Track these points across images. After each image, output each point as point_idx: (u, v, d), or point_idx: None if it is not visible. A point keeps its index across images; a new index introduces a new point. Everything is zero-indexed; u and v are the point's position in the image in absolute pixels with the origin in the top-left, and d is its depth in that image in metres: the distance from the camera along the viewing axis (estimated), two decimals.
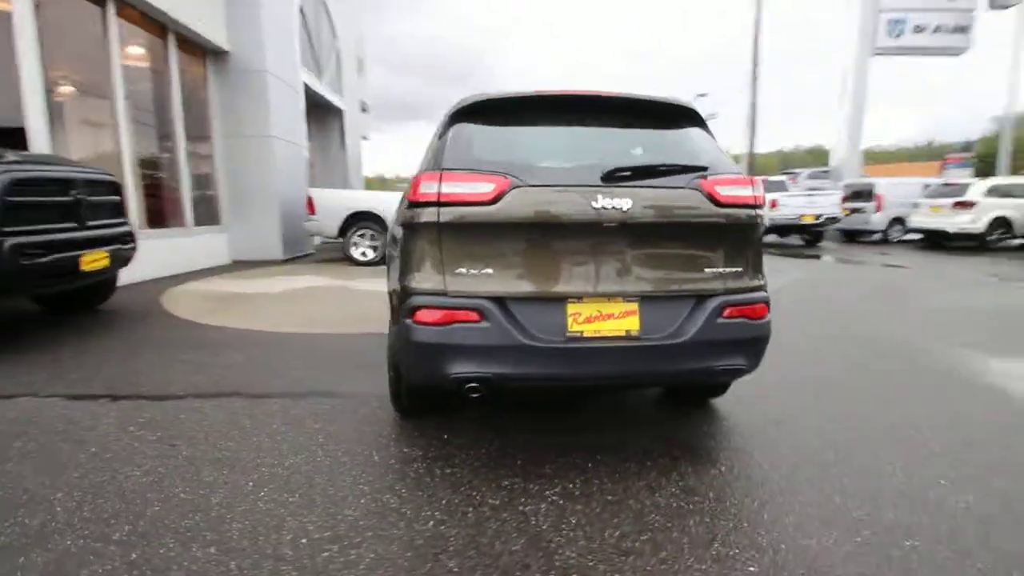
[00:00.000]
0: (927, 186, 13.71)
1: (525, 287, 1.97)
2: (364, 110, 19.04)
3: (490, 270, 1.96)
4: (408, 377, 2.25)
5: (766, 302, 2.12)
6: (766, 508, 1.89)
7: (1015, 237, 11.81)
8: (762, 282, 2.18)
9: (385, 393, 2.76)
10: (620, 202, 1.94)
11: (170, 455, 2.27)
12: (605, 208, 1.94)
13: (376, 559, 1.60)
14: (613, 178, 2.00)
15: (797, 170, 19.45)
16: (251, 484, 2.03)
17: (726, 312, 2.02)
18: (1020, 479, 2.11)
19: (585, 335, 1.96)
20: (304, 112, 11.00)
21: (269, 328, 4.55)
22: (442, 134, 2.27)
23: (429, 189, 1.98)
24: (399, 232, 2.30)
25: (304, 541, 1.69)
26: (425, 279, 2.01)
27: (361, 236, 8.70)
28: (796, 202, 13.05)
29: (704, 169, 2.06)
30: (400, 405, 2.63)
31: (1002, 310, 5.67)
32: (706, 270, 2.05)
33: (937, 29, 13.33)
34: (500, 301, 1.94)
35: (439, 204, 1.96)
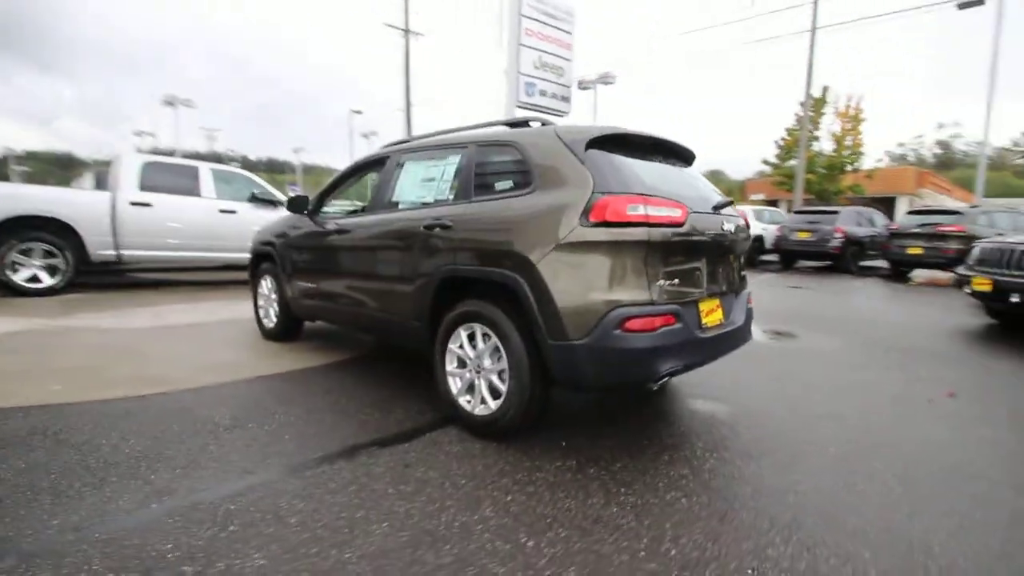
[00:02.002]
0: None
1: (689, 292, 2.43)
2: None
3: (677, 280, 2.34)
4: (603, 382, 2.30)
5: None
6: None
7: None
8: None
9: None
10: (729, 226, 2.66)
11: None
12: (727, 231, 2.62)
13: None
14: (719, 208, 2.69)
15: None
16: None
17: (749, 301, 3.01)
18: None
19: (709, 326, 2.57)
20: None
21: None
22: (578, 158, 2.40)
23: (636, 211, 2.19)
24: (555, 254, 2.28)
25: None
26: (631, 292, 2.20)
27: (25, 253, 5.80)
28: None
29: (732, 202, 2.98)
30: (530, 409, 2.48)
31: None
32: (740, 273, 2.98)
33: (553, 95, 18.06)
34: (681, 305, 2.35)
35: (648, 225, 2.21)
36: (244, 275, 8.47)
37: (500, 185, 2.74)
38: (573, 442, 2.58)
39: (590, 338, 2.19)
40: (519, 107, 19.27)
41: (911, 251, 10.54)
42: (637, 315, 2.19)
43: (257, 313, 4.61)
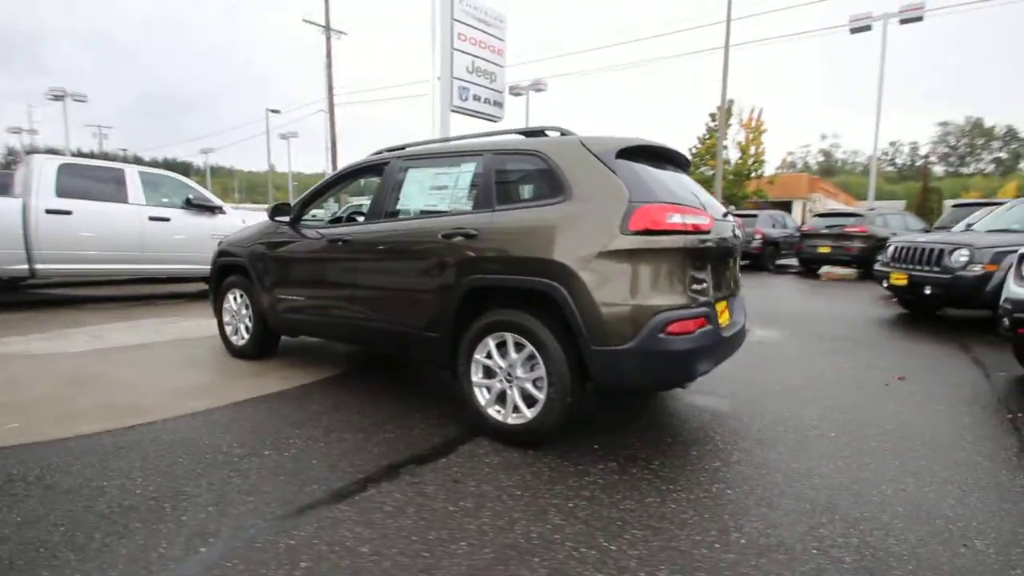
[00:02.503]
0: None
1: (710, 295, 2.58)
2: None
3: (703, 283, 2.48)
4: (647, 384, 2.38)
5: None
6: None
7: None
8: None
9: None
10: (733, 232, 2.85)
11: None
12: (735, 236, 2.80)
13: None
14: (725, 215, 2.87)
15: None
16: None
17: (743, 302, 3.24)
18: None
19: (724, 326, 2.75)
20: None
21: None
22: (610, 168, 2.48)
23: (674, 220, 2.30)
24: (598, 261, 2.33)
25: None
26: (670, 297, 2.31)
27: None
28: None
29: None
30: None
31: None
32: (737, 276, 3.20)
33: (487, 100, 18.15)
34: (708, 307, 2.50)
35: (684, 232, 2.33)
36: (177, 289, 7.85)
37: (525, 194, 2.76)
38: (603, 444, 2.64)
39: (635, 342, 2.28)
40: (453, 111, 19.21)
41: (820, 250, 11.74)
42: (678, 319, 2.30)
43: (223, 330, 4.25)
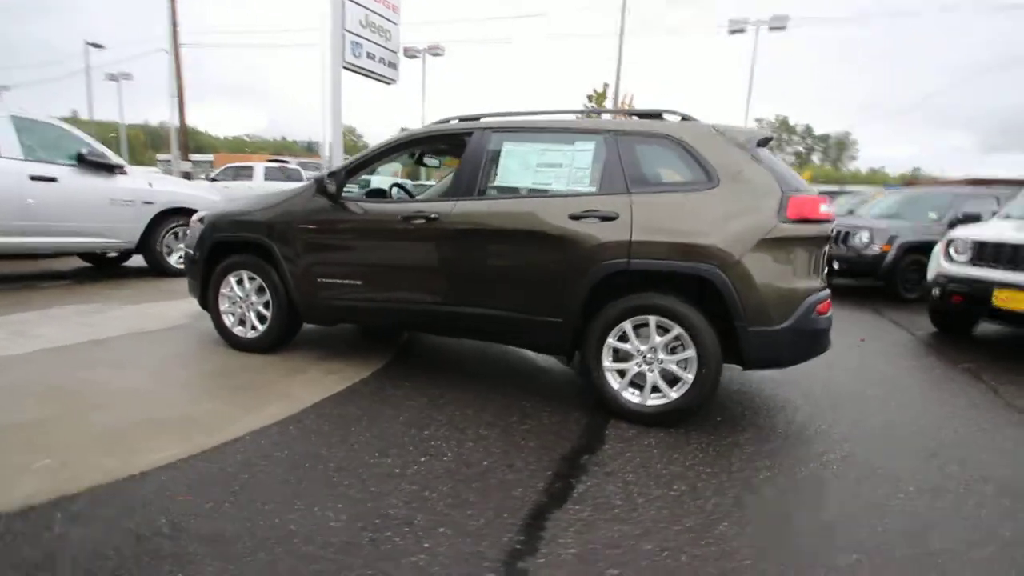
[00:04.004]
0: None
1: None
2: None
3: (824, 268, 2.73)
4: (796, 360, 2.56)
5: None
6: None
7: None
8: None
9: None
10: None
11: None
12: None
13: None
14: None
15: (287, 158, 19.86)
16: None
17: None
18: None
19: None
20: None
21: None
22: (754, 158, 2.58)
23: (823, 209, 2.51)
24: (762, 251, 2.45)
25: None
26: (814, 280, 2.55)
27: None
28: None
29: None
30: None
31: None
32: None
33: (381, 60, 17.12)
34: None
35: (828, 221, 2.54)
36: (31, 268, 6.16)
37: (663, 178, 2.74)
38: (713, 421, 2.79)
39: (791, 322, 2.47)
40: (346, 68, 17.63)
41: None
42: (823, 299, 2.54)
43: (220, 321, 3.54)
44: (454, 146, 3.39)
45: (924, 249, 6.45)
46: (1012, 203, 4.95)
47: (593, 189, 2.75)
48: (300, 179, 14.81)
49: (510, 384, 3.20)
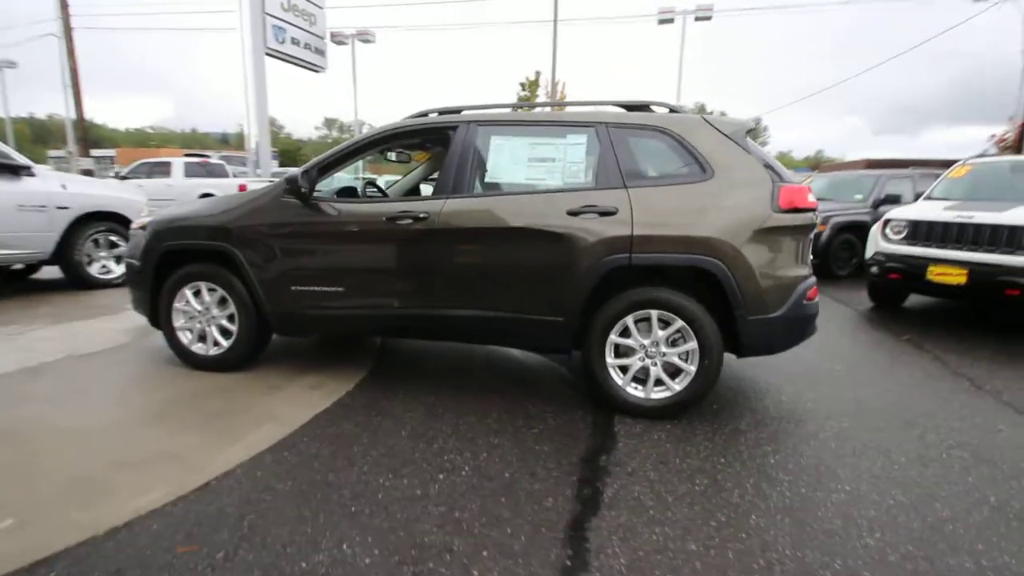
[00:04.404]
0: None
1: None
2: None
3: (810, 256, 2.84)
4: (787, 346, 2.65)
5: None
6: None
7: None
8: None
9: None
10: None
11: None
12: None
13: None
14: None
15: (208, 152, 18.23)
16: None
17: None
18: None
19: None
20: None
21: None
22: (744, 148, 2.62)
23: (811, 199, 2.60)
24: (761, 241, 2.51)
25: None
26: (802, 268, 2.64)
27: None
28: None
29: None
30: None
31: None
32: None
33: (307, 46, 16.30)
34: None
35: (814, 210, 2.63)
36: None
37: (657, 171, 2.73)
38: (711, 409, 2.87)
39: (784, 309, 2.56)
40: (268, 54, 16.52)
41: None
42: (811, 286, 2.65)
43: (175, 339, 3.19)
44: (435, 141, 3.23)
45: (853, 229, 7.02)
46: (936, 185, 5.43)
47: (589, 184, 2.71)
48: (225, 175, 13.76)
49: (503, 385, 3.12)
